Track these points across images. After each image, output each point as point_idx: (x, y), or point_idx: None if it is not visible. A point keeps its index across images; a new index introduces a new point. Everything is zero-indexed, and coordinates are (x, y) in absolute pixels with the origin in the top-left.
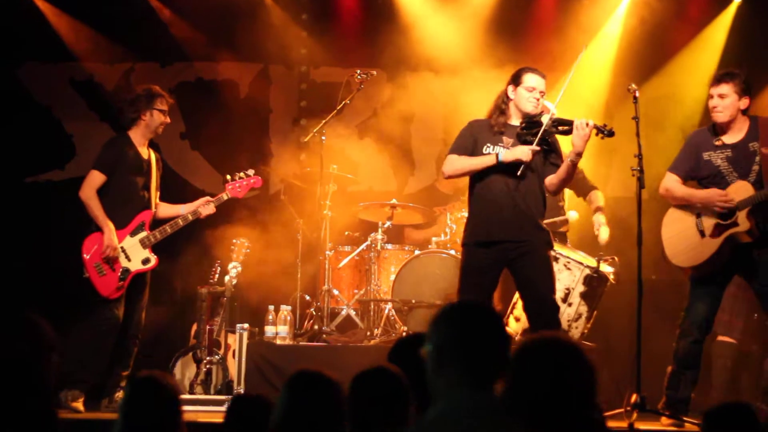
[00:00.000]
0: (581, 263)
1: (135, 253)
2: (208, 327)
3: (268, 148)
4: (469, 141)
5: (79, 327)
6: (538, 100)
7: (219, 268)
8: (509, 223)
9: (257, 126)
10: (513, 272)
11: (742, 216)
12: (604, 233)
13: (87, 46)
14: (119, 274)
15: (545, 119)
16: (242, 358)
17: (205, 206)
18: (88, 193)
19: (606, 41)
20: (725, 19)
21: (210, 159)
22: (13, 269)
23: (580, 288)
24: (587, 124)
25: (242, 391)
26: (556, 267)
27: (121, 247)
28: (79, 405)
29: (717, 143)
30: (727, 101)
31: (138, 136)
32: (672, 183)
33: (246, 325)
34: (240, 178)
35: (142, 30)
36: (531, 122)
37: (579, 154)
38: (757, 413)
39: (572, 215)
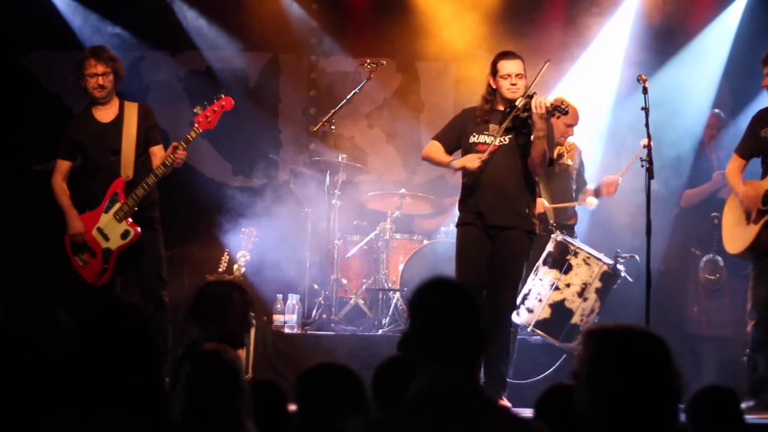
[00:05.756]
0: (600, 259)
1: (112, 230)
2: None
3: (277, 137)
4: (456, 129)
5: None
6: (515, 84)
7: (227, 257)
8: (487, 206)
9: (266, 115)
10: (489, 253)
11: None
12: (592, 201)
13: (96, 35)
14: (101, 258)
15: (519, 102)
16: (250, 346)
17: (173, 152)
18: (53, 182)
19: (616, 31)
20: (737, 8)
21: (218, 147)
22: (20, 257)
23: (597, 284)
24: (543, 103)
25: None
26: (575, 261)
27: (98, 228)
28: None
29: None
30: None
31: (95, 104)
32: (730, 169)
33: (254, 314)
34: (207, 105)
35: (151, 19)
36: (513, 107)
37: (538, 130)
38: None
39: (592, 201)
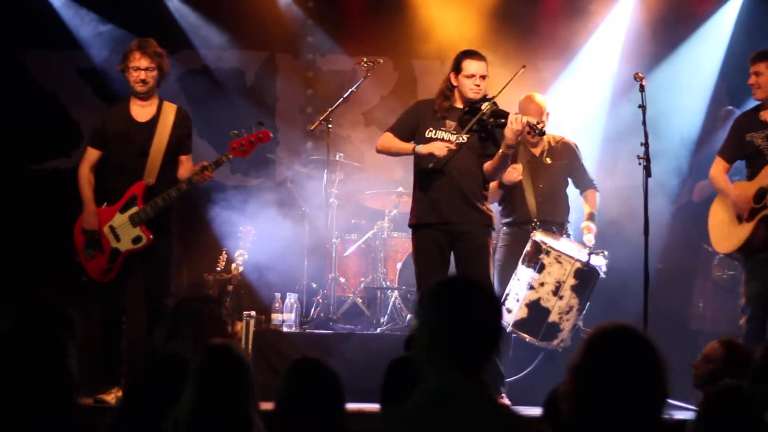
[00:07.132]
0: (572, 257)
1: (125, 233)
2: None
3: (274, 136)
4: (411, 122)
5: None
6: (478, 86)
7: (226, 256)
8: (447, 205)
9: (264, 114)
10: (454, 254)
11: None
12: (588, 239)
13: (93, 34)
14: (108, 256)
15: (485, 107)
16: (249, 345)
17: (201, 172)
18: (79, 170)
19: (613, 29)
20: (733, 6)
21: (217, 147)
22: (18, 258)
23: (571, 281)
24: (521, 121)
25: None
26: (548, 260)
27: (110, 226)
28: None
29: (761, 120)
30: (762, 79)
31: (133, 98)
32: (717, 171)
33: (252, 313)
34: (245, 133)
35: (148, 18)
36: (473, 108)
37: (510, 147)
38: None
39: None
